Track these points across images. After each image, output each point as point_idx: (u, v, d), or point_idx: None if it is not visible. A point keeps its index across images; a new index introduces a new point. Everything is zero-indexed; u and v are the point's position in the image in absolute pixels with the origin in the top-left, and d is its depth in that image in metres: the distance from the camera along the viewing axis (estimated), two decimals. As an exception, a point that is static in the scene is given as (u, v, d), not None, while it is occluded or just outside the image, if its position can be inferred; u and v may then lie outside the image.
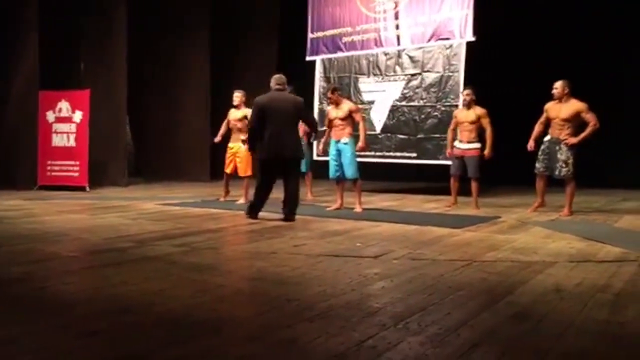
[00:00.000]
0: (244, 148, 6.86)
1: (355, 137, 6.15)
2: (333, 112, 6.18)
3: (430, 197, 7.83)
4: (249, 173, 6.96)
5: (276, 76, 5.57)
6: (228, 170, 7.08)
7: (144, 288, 2.86)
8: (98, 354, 1.98)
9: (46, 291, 2.81)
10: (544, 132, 5.84)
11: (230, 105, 7.18)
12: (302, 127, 6.61)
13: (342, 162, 6.06)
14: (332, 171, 6.19)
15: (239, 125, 6.97)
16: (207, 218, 5.68)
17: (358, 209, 6.02)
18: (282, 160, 5.30)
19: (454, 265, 3.39)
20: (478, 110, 6.32)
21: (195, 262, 3.53)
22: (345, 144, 6.03)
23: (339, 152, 6.09)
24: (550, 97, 5.76)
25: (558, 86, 5.62)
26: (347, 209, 6.08)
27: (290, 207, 5.35)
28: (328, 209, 6.18)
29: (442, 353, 1.98)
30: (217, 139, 7.32)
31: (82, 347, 2.03)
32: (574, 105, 5.57)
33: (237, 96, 7.04)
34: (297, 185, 5.45)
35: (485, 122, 6.26)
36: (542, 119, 5.83)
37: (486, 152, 6.21)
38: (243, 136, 6.86)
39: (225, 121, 7.22)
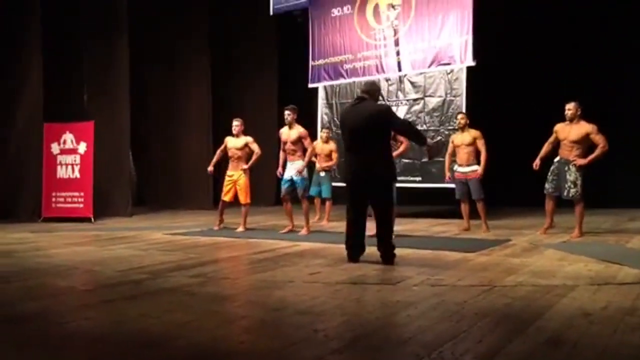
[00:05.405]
0: (244, 177, 6.86)
1: None
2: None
3: (437, 220, 7.82)
4: (249, 201, 6.93)
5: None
6: (227, 198, 6.99)
7: (166, 321, 2.81)
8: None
9: (67, 327, 2.76)
10: (553, 153, 5.87)
11: (228, 132, 7.13)
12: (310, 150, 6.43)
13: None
14: None
15: (240, 153, 6.91)
16: (216, 247, 5.63)
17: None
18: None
19: (475, 291, 3.36)
20: (473, 132, 6.39)
21: (214, 292, 3.49)
22: None
23: None
24: (558, 118, 5.79)
25: (571, 107, 5.63)
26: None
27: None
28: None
29: (482, 383, 1.95)
30: (210, 168, 7.19)
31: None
32: (584, 127, 5.59)
33: (236, 125, 6.96)
34: None
35: (480, 144, 6.32)
36: (552, 139, 5.85)
37: (479, 171, 6.25)
38: (244, 165, 6.88)
39: (220, 148, 7.12)
